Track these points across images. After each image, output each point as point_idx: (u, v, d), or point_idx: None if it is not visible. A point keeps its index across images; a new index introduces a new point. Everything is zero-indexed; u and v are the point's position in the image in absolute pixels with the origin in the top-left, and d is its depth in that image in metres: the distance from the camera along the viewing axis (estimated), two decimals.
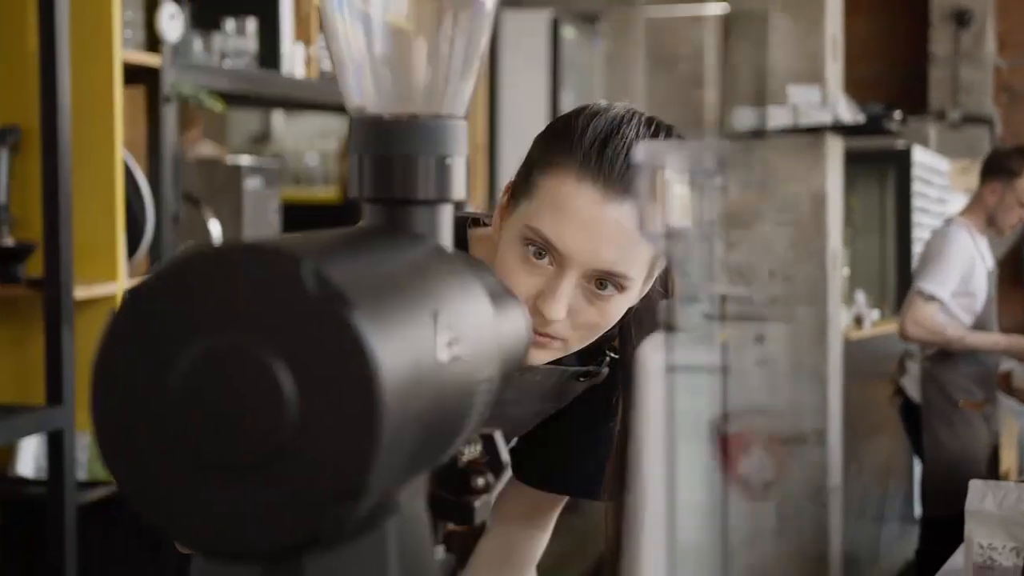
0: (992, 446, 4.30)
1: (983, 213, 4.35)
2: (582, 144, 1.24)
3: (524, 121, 5.07)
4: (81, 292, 2.47)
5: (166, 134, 2.73)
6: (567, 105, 6.13)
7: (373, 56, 0.83)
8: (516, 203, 1.29)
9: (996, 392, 4.41)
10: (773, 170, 5.36)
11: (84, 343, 2.47)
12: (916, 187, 6.96)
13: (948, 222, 4.48)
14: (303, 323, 0.62)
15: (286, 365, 0.62)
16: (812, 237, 5.48)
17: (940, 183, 7.50)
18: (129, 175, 2.62)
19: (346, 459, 0.61)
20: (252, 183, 3.08)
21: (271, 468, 0.61)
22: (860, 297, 6.16)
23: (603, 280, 1.24)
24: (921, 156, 7.03)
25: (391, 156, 0.82)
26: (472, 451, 0.86)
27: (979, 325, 4.30)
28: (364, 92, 0.84)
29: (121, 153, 2.56)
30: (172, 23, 2.70)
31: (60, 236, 2.36)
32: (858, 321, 5.86)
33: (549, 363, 1.31)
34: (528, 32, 5.44)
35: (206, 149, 3.99)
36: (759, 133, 5.26)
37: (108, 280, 2.56)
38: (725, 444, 0.68)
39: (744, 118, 5.36)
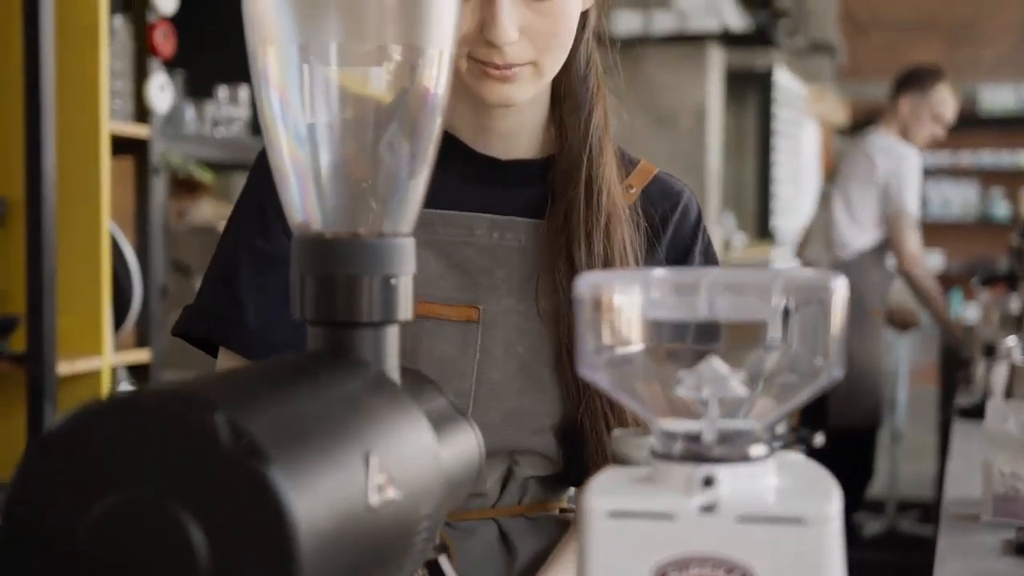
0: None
1: (897, 126, 4.42)
2: None
3: None
4: (65, 368, 2.44)
5: (154, 205, 2.71)
6: None
7: (316, 171, 0.80)
8: None
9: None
10: (652, 80, 5.28)
11: None
12: (775, 109, 6.92)
13: (873, 136, 4.50)
14: (217, 477, 0.59)
15: (199, 521, 0.58)
16: (692, 153, 5.40)
17: (797, 107, 7.49)
18: (116, 247, 2.59)
19: None
20: None
21: None
22: (729, 220, 6.08)
23: None
24: (782, 79, 6.97)
25: (334, 276, 0.78)
26: None
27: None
28: (307, 209, 0.81)
29: (108, 225, 2.54)
30: (162, 94, 2.68)
31: (44, 311, 2.34)
32: (727, 245, 5.82)
33: None
34: None
35: (207, 209, 3.98)
36: (642, 40, 5.13)
37: (93, 354, 2.53)
38: None
39: (626, 22, 5.23)
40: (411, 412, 0.75)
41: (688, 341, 0.71)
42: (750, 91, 6.87)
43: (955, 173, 10.20)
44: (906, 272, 4.35)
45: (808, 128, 8.43)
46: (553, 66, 1.18)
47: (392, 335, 0.80)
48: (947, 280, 10.04)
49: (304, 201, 0.80)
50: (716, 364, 0.69)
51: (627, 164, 1.30)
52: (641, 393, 0.70)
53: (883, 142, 4.40)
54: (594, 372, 0.69)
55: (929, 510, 5.03)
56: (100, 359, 2.54)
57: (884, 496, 5.43)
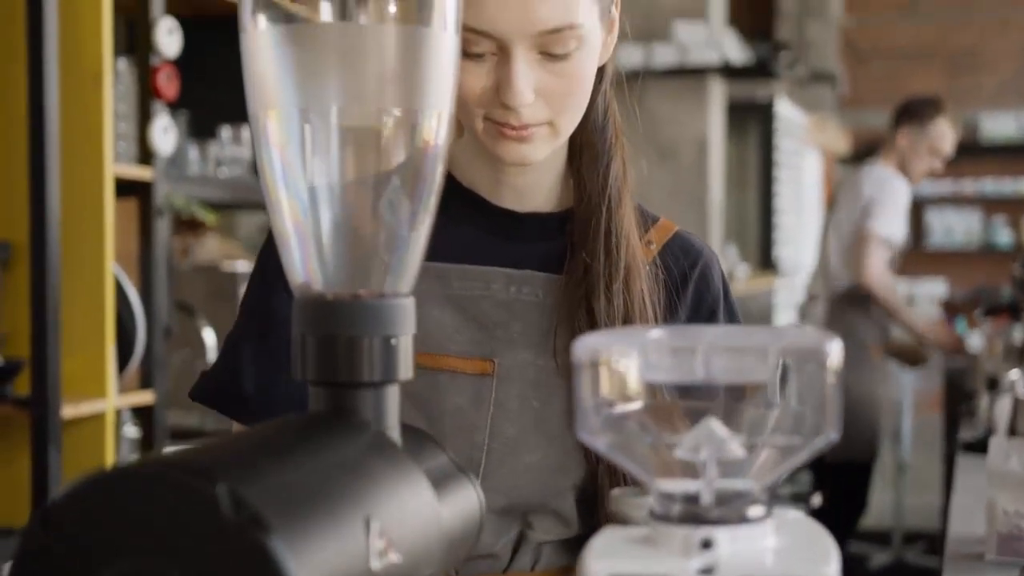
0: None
1: (895, 159, 4.41)
2: None
3: None
4: (70, 411, 2.44)
5: (158, 247, 2.72)
6: None
7: (317, 232, 0.81)
8: None
9: None
10: (654, 112, 5.29)
11: (72, 464, 2.44)
12: (777, 140, 6.94)
13: (869, 167, 4.51)
14: (219, 548, 0.59)
15: None
16: (694, 186, 5.40)
17: (799, 137, 7.50)
18: (120, 289, 2.60)
19: None
20: None
21: None
22: (731, 251, 6.09)
23: (555, 42, 1.12)
24: (783, 109, 6.99)
25: (335, 337, 0.79)
26: None
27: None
28: (308, 269, 0.82)
29: (112, 268, 2.55)
30: (165, 136, 2.70)
31: (48, 355, 2.34)
32: (730, 276, 5.84)
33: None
34: None
35: (212, 246, 3.99)
36: (643, 73, 5.15)
37: (98, 397, 2.54)
38: None
39: (627, 56, 5.26)
40: (411, 473, 0.75)
41: (686, 402, 0.71)
42: (751, 122, 6.90)
43: (957, 201, 10.21)
44: (864, 287, 4.32)
45: (810, 158, 8.46)
46: (569, 125, 1.18)
47: (393, 394, 0.81)
48: (951, 308, 10.06)
49: (305, 262, 0.81)
50: (714, 425, 0.69)
51: (647, 220, 1.29)
52: (639, 454, 0.71)
53: (877, 173, 4.40)
54: (592, 434, 0.70)
55: (935, 541, 5.01)
56: (105, 401, 2.54)
57: (890, 527, 5.42)
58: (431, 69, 0.80)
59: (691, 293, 1.27)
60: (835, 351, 0.67)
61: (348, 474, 0.70)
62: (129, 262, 2.74)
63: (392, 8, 0.79)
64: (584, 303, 1.19)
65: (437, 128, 0.81)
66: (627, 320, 1.19)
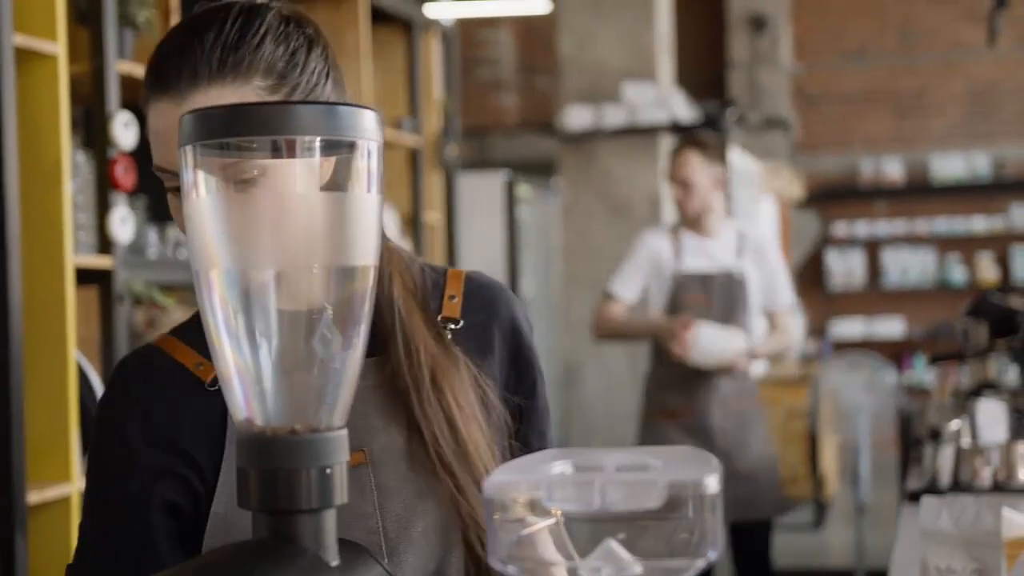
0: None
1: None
2: (151, 65, 1.19)
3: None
4: (35, 496, 2.50)
5: (119, 332, 2.80)
6: (526, 261, 6.27)
7: (257, 374, 0.89)
8: None
9: (706, 402, 4.12)
10: (607, 171, 5.39)
11: (38, 550, 2.50)
12: (731, 190, 7.05)
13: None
14: None
15: None
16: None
17: (753, 184, 7.63)
18: (83, 375, 2.67)
19: None
20: None
21: None
22: None
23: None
24: (735, 160, 7.11)
25: (275, 470, 0.87)
26: None
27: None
28: (250, 408, 0.90)
29: (74, 355, 2.62)
30: (124, 226, 2.78)
31: (12, 444, 2.41)
32: None
33: None
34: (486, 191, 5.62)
35: (176, 317, 4.04)
36: (593, 133, 5.19)
37: (62, 482, 2.60)
38: None
39: (578, 116, 5.30)
40: None
41: (587, 527, 0.80)
42: None
43: (912, 241, 10.39)
44: (599, 337, 4.27)
45: (765, 204, 8.60)
46: None
47: (330, 518, 0.89)
48: (909, 346, 10.24)
49: (247, 400, 0.90)
50: (614, 546, 0.78)
51: (438, 278, 1.35)
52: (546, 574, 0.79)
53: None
54: (503, 563, 0.78)
55: None
56: (69, 486, 2.61)
57: (852, 567, 5.51)
58: (358, 227, 0.89)
59: (496, 329, 1.33)
60: (712, 485, 0.76)
61: None
62: (90, 347, 2.80)
63: (319, 176, 0.88)
64: (405, 407, 1.25)
65: (363, 277, 0.90)
66: (450, 422, 1.24)
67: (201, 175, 0.88)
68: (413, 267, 1.32)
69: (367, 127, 0.89)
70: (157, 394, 1.27)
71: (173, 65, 1.18)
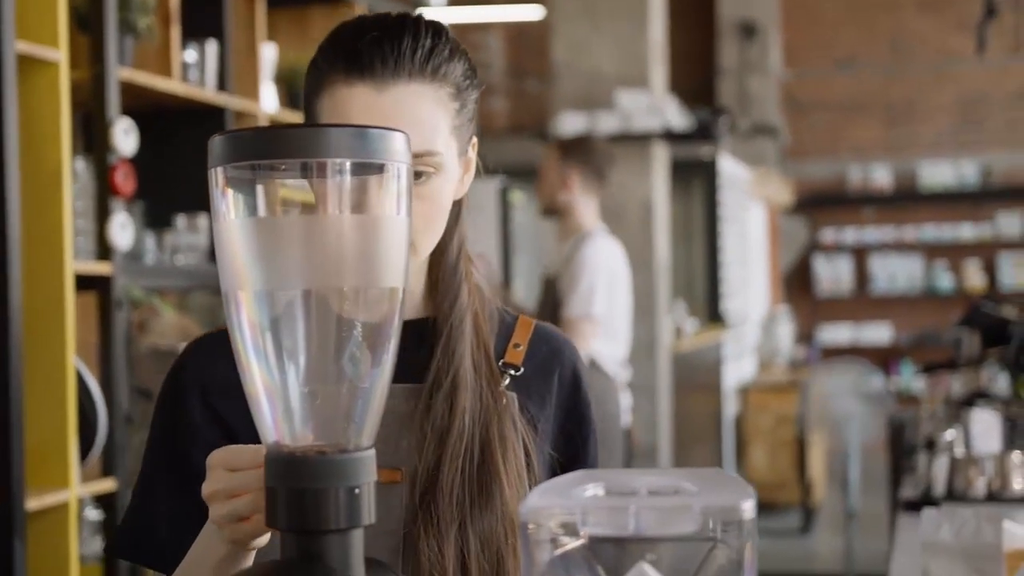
0: None
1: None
2: (343, 48, 1.21)
3: None
4: (34, 503, 2.50)
5: (117, 338, 2.79)
6: (519, 265, 6.28)
7: (285, 396, 0.90)
8: None
9: None
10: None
11: (36, 555, 2.49)
12: (721, 196, 7.08)
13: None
14: None
15: None
16: (641, 248, 5.49)
17: (742, 191, 7.66)
18: (81, 381, 2.66)
19: None
20: None
21: None
22: (679, 308, 6.21)
23: (415, 165, 1.16)
24: (726, 166, 7.14)
25: (303, 490, 0.88)
26: None
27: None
28: (278, 429, 0.90)
29: (73, 361, 2.61)
30: (123, 232, 2.78)
31: (12, 450, 2.40)
32: (679, 332, 5.92)
33: None
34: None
35: (168, 320, 4.03)
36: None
37: (61, 488, 2.59)
38: None
39: (572, 123, 5.27)
40: None
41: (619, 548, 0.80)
42: (695, 179, 7.05)
43: (900, 247, 10.42)
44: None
45: (755, 210, 8.62)
46: (427, 246, 1.25)
47: (357, 538, 0.90)
48: (896, 352, 10.26)
49: (275, 421, 0.90)
50: (647, 569, 0.79)
51: (509, 323, 1.37)
52: None
53: None
54: None
55: None
56: (67, 492, 2.60)
57: (839, 573, 5.53)
58: (385, 248, 0.89)
59: (555, 389, 1.35)
60: (749, 509, 0.76)
61: None
62: (89, 353, 2.80)
63: (349, 200, 0.89)
64: (439, 440, 1.25)
65: (392, 298, 0.90)
66: (442, 433, 1.24)
67: (231, 196, 0.88)
68: (487, 308, 1.34)
69: (397, 149, 0.90)
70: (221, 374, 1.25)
71: (377, 53, 1.19)
